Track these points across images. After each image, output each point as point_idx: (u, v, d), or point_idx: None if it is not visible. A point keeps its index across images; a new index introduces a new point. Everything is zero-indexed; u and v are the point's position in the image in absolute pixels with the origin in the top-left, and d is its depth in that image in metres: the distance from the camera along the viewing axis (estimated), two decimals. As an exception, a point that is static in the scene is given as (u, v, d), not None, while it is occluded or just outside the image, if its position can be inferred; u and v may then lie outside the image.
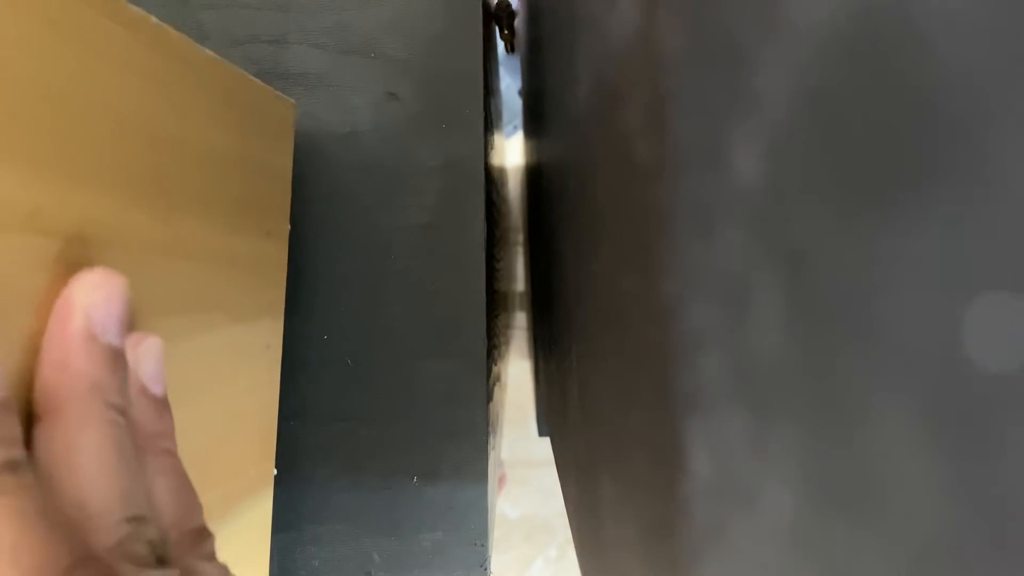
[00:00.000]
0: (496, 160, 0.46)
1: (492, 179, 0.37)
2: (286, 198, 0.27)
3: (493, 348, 0.38)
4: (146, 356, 0.15)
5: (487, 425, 0.33)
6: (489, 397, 0.34)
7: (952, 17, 0.06)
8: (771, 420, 0.09)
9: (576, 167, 0.25)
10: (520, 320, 0.80)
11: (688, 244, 0.12)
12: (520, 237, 0.77)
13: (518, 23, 0.57)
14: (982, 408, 0.06)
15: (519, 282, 0.79)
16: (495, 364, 0.41)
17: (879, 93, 0.07)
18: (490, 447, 0.34)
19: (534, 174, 0.54)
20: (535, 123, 0.49)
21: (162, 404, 0.15)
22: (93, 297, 0.13)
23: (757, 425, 0.10)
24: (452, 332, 0.32)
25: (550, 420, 0.49)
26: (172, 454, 0.15)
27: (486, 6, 0.33)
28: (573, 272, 0.29)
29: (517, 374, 0.85)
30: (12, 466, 0.11)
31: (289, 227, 0.27)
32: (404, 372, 0.32)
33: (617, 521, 0.20)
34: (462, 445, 0.32)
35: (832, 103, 0.07)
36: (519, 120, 0.84)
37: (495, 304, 0.41)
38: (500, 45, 0.56)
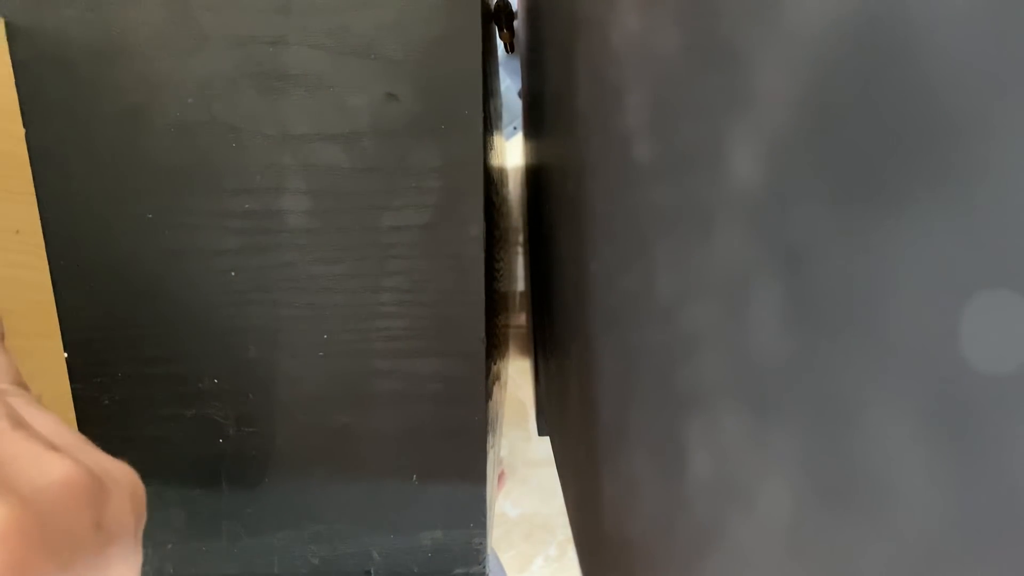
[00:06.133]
0: (496, 161, 0.46)
1: (492, 180, 0.37)
2: (13, 101, 0.30)
3: (493, 347, 0.38)
4: None
5: (486, 424, 0.33)
6: (488, 396, 0.34)
7: (951, 18, 0.06)
8: (770, 420, 0.09)
9: (576, 167, 0.25)
10: (520, 320, 0.80)
11: (688, 244, 0.12)
12: (520, 237, 0.77)
13: (517, 24, 0.57)
14: (980, 407, 0.06)
15: (519, 282, 0.79)
16: (495, 363, 0.42)
17: (878, 93, 0.07)
18: (489, 446, 0.34)
19: (534, 175, 0.54)
20: (535, 124, 0.49)
21: None
22: None
23: (757, 425, 0.10)
24: (452, 331, 0.32)
25: (550, 420, 0.49)
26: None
27: (485, 7, 0.33)
28: (573, 272, 0.29)
29: (517, 374, 0.85)
30: None
31: (23, 129, 0.31)
32: (404, 371, 0.32)
33: (617, 521, 0.20)
34: (462, 444, 0.32)
35: (831, 103, 0.07)
36: (519, 121, 0.84)
37: (496, 304, 0.41)
38: (500, 46, 0.56)
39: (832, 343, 0.08)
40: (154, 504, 0.33)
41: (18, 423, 0.18)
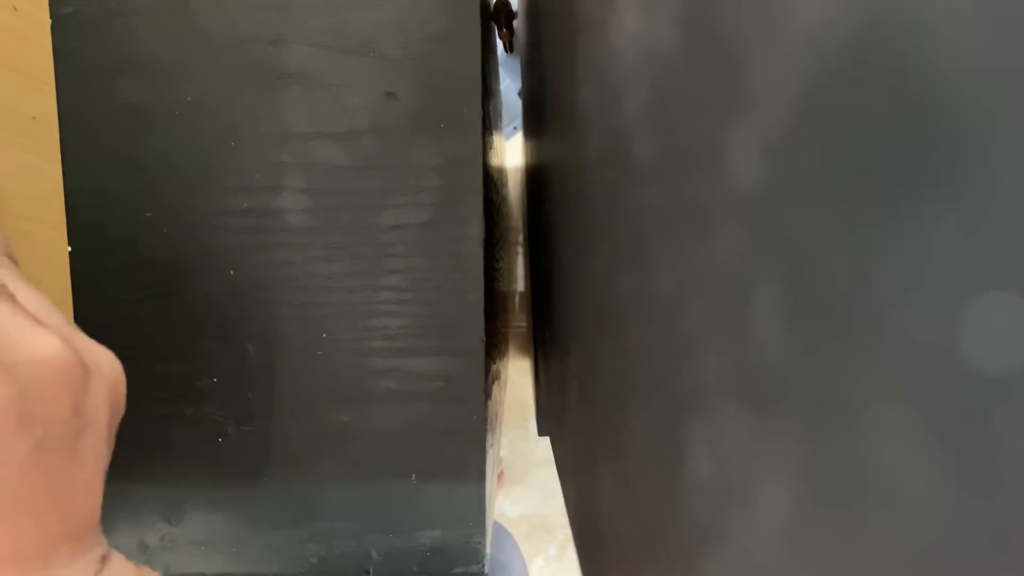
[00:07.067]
0: (495, 160, 0.46)
1: (491, 179, 0.37)
2: None
3: (492, 347, 0.38)
4: None
5: (485, 423, 0.33)
6: (488, 395, 0.34)
7: (951, 17, 0.06)
8: (770, 419, 0.09)
9: (576, 167, 0.25)
10: (520, 320, 0.80)
11: (687, 244, 0.12)
12: (520, 237, 0.77)
13: (517, 24, 0.57)
14: (981, 408, 0.06)
15: (519, 282, 0.79)
16: (494, 362, 0.42)
17: (877, 93, 0.07)
18: (488, 445, 0.34)
19: (534, 174, 0.54)
20: (535, 124, 0.49)
21: None
22: None
23: (756, 424, 0.10)
24: (451, 330, 0.32)
25: (550, 419, 0.49)
26: None
27: (485, 6, 0.33)
28: (573, 272, 0.29)
29: (517, 374, 0.85)
30: None
31: (48, 19, 0.30)
32: (403, 370, 0.32)
33: (617, 520, 0.20)
34: (461, 443, 0.32)
35: (830, 103, 0.07)
36: (519, 121, 0.84)
37: (495, 304, 0.41)
38: (500, 46, 0.56)
39: (832, 343, 0.08)
40: (152, 503, 0.33)
41: (4, 293, 0.17)
